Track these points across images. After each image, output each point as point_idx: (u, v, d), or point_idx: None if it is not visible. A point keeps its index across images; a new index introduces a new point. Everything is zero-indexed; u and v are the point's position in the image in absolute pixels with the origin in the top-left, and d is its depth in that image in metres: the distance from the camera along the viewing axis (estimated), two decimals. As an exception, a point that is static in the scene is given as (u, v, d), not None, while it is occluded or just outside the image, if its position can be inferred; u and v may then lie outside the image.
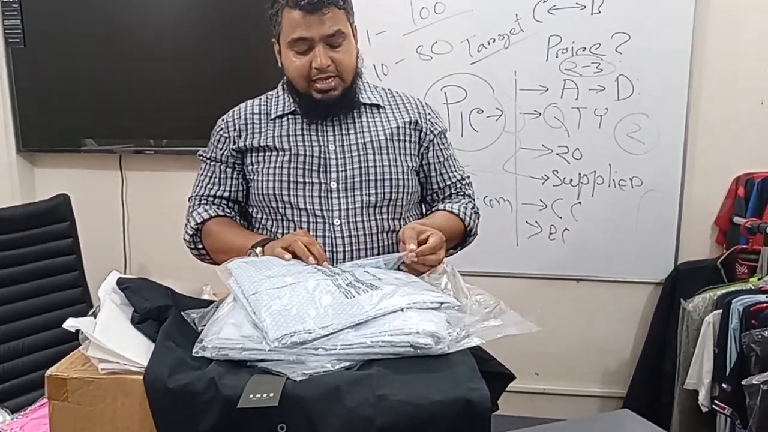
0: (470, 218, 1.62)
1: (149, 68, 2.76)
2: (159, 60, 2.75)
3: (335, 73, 1.49)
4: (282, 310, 1.07)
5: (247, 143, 1.56)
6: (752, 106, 2.60)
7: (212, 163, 1.61)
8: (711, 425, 2.30)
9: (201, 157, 1.64)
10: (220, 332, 1.06)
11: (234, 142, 1.57)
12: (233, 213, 1.61)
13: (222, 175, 1.59)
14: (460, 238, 1.63)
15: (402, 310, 1.10)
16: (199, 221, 1.56)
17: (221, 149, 1.59)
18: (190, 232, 1.57)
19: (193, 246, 1.59)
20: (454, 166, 1.67)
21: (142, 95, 2.78)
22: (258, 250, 1.38)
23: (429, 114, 1.65)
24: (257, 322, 1.06)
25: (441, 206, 1.62)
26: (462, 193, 1.66)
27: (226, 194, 1.59)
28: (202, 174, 1.62)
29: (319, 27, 1.44)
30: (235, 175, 1.59)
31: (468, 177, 1.70)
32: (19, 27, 2.76)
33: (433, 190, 1.65)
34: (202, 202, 1.59)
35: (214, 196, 1.59)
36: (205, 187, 1.60)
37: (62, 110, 2.84)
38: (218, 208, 1.58)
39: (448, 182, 1.65)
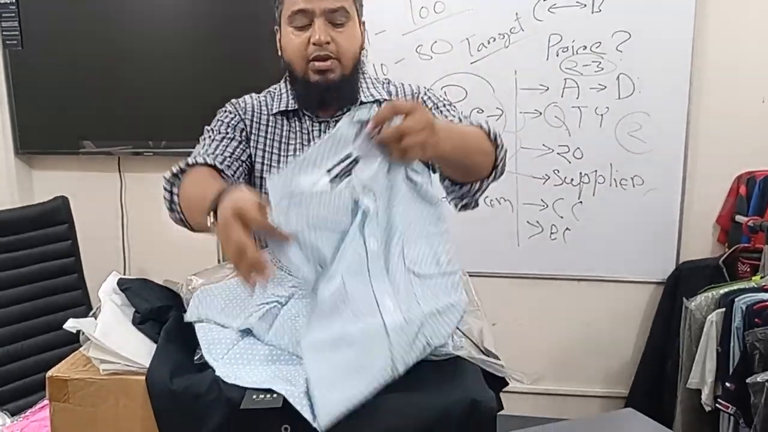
0: (487, 125, 1.30)
1: (147, 69, 2.75)
2: (157, 61, 2.74)
3: (334, 54, 1.38)
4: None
5: (253, 133, 1.47)
6: (753, 104, 2.60)
7: (216, 134, 1.43)
8: (714, 424, 2.29)
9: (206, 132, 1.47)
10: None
11: (243, 126, 1.47)
12: (232, 172, 1.37)
13: (227, 143, 1.41)
14: (490, 151, 1.29)
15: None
16: (182, 166, 1.31)
17: (230, 125, 1.45)
18: (168, 177, 1.30)
19: (169, 197, 1.30)
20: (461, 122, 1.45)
21: (141, 97, 2.77)
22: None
23: (427, 96, 1.52)
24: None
25: None
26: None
27: (228, 154, 1.39)
28: (200, 145, 1.42)
29: (320, 0, 1.35)
30: (242, 147, 1.43)
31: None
32: (16, 28, 2.75)
33: None
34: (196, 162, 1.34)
35: (213, 155, 1.36)
36: (203, 151, 1.37)
37: (60, 112, 2.82)
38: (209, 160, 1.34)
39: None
